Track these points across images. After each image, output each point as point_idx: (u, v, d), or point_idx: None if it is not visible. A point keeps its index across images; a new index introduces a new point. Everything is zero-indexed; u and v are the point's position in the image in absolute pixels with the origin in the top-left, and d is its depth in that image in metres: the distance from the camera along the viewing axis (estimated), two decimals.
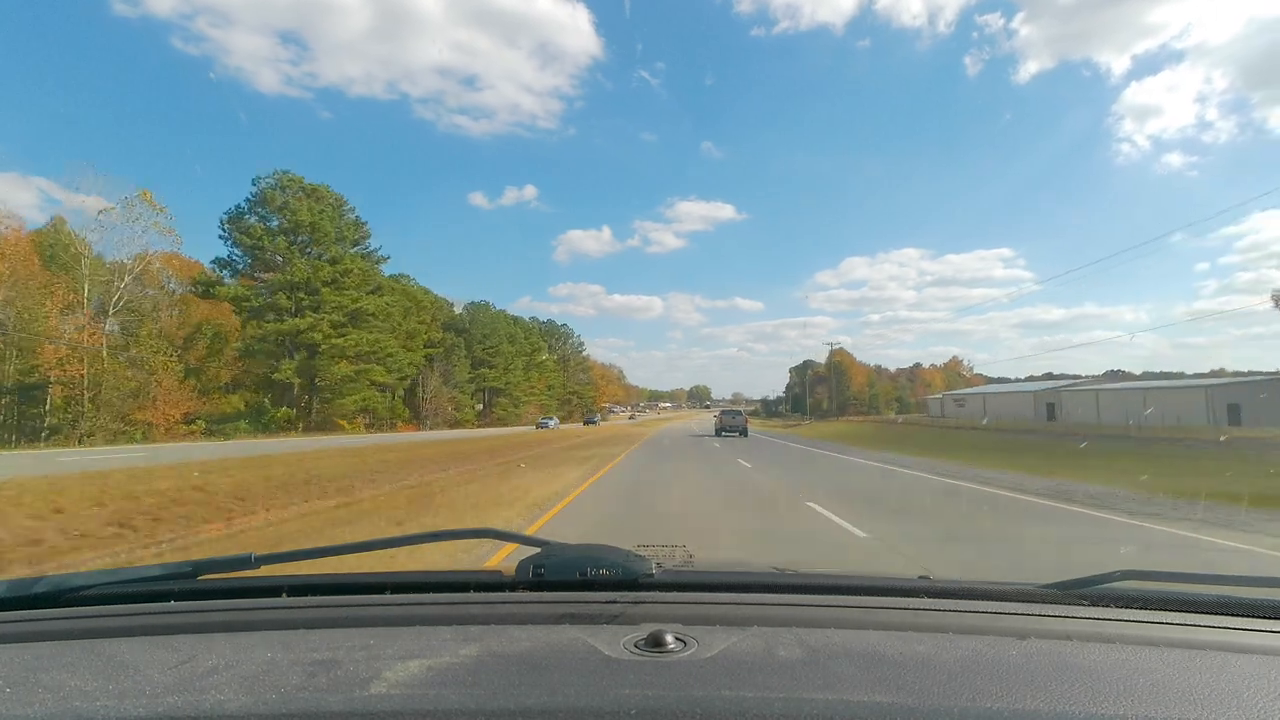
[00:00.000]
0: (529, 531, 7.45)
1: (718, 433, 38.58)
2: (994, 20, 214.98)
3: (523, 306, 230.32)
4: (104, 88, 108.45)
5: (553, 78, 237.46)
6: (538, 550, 1.16)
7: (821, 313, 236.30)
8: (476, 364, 76.85)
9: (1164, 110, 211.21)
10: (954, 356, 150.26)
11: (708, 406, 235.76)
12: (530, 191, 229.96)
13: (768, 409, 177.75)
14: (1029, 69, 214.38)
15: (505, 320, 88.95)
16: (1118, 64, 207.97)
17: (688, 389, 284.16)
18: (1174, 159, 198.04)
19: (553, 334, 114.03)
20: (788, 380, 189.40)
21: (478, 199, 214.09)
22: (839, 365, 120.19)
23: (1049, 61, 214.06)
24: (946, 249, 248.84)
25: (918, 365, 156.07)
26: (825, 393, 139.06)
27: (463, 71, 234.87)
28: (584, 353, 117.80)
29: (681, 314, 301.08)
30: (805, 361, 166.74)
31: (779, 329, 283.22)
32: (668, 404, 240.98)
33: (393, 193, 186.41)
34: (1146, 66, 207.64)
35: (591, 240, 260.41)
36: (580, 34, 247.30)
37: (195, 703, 0.71)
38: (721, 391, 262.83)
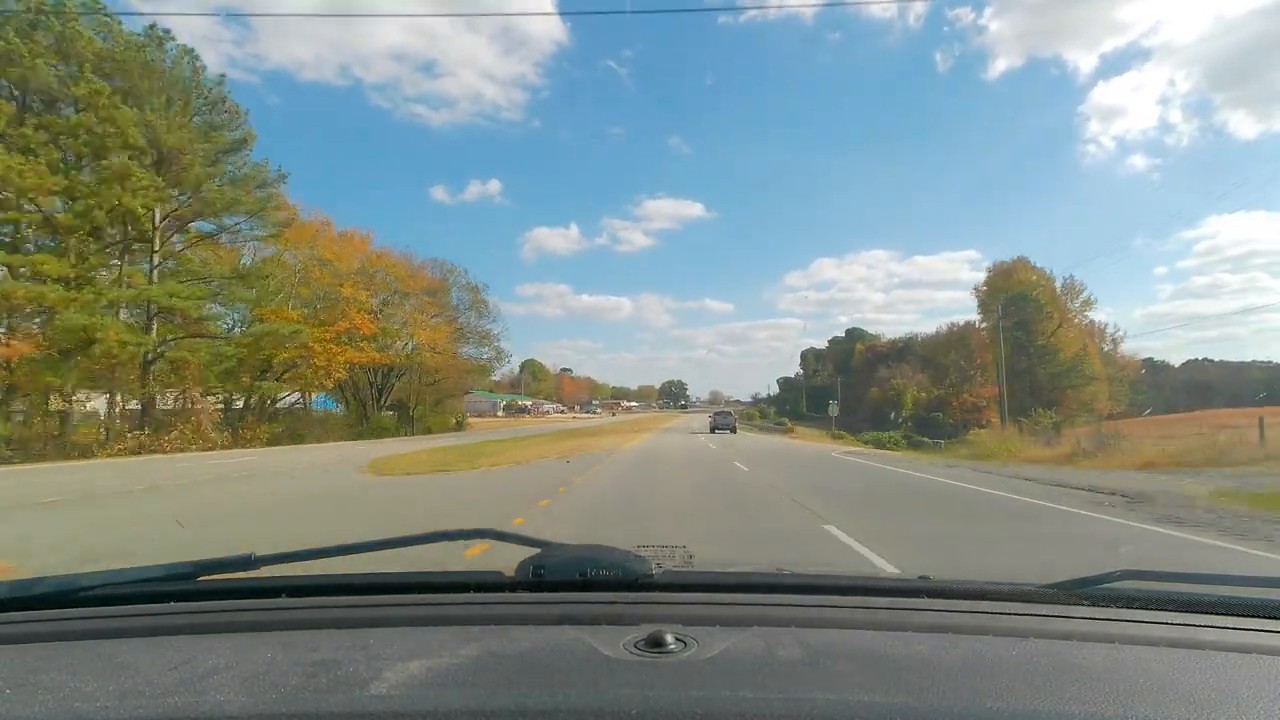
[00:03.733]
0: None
1: (712, 430, 43.82)
2: (964, 14, 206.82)
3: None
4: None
5: (517, 65, 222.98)
6: (538, 550, 1.15)
7: (791, 314, 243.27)
8: None
9: (1129, 111, 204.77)
10: (1091, 320, 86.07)
11: (684, 406, 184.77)
12: (494, 186, 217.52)
13: (784, 406, 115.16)
14: (998, 67, 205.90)
15: None
16: (1086, 62, 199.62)
17: (659, 386, 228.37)
18: (1138, 160, 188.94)
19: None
20: (795, 371, 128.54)
21: (439, 193, 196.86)
22: (1033, 300, 49.14)
23: (1018, 59, 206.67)
24: (914, 251, 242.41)
25: None
26: (901, 376, 73.11)
27: (420, 56, 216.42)
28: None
29: (651, 315, 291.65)
30: (850, 331, 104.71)
31: (748, 331, 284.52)
32: (634, 403, 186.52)
33: (350, 185, 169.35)
34: (1114, 65, 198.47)
35: (559, 238, 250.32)
36: (544, 18, 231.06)
37: (195, 703, 0.71)
38: (697, 391, 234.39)
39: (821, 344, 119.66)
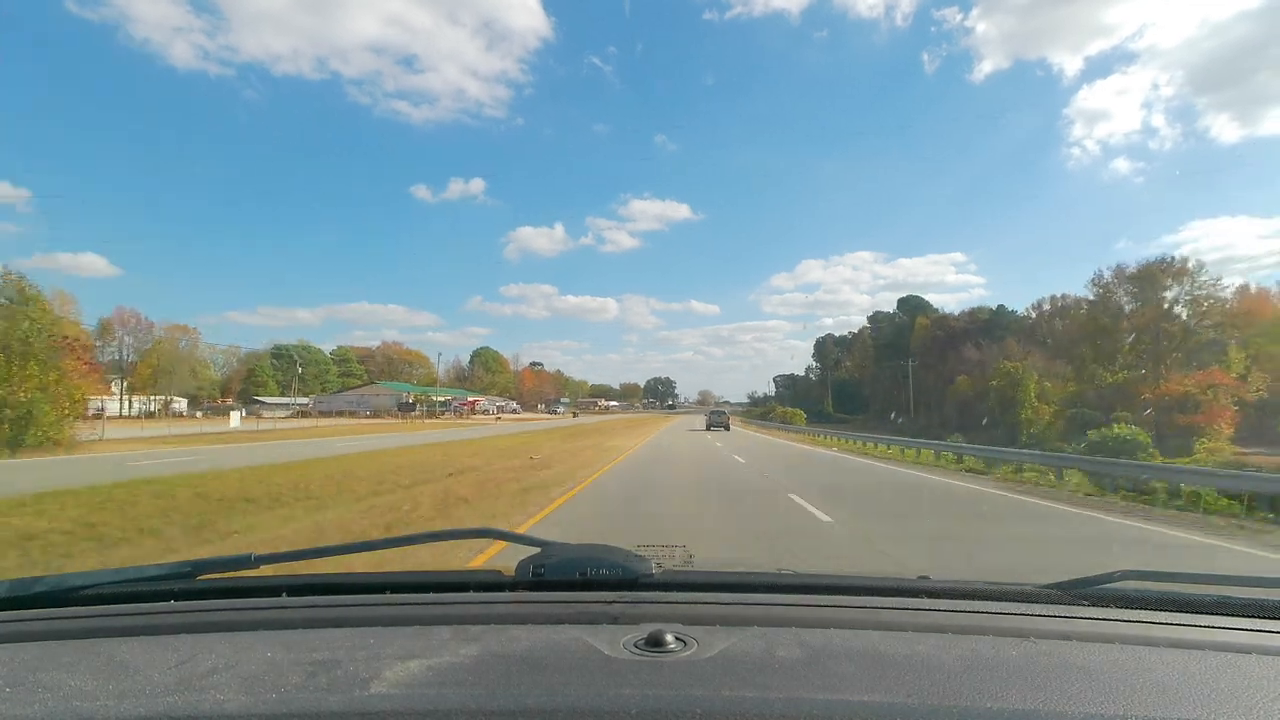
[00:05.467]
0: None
1: (708, 429, 46.34)
2: (951, 15, 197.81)
3: (473, 307, 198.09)
4: None
5: (500, 60, 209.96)
6: (538, 550, 1.15)
7: (777, 316, 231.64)
8: None
9: (1114, 114, 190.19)
10: None
11: (671, 407, 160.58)
12: (477, 185, 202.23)
13: (785, 406, 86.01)
14: (984, 69, 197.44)
15: None
16: (1071, 65, 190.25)
17: (644, 384, 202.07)
18: (1122, 164, 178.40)
19: None
20: (806, 365, 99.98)
21: (421, 192, 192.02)
22: None
23: (1004, 61, 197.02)
24: (900, 253, 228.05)
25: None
26: (1007, 356, 42.40)
27: (400, 50, 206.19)
28: None
29: (637, 317, 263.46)
30: (904, 300, 76.36)
31: (735, 333, 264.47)
32: (614, 403, 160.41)
33: (330, 183, 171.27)
34: (1099, 68, 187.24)
35: (544, 238, 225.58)
36: (528, 11, 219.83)
37: (195, 703, 0.71)
38: (685, 391, 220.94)
39: (854, 328, 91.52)
